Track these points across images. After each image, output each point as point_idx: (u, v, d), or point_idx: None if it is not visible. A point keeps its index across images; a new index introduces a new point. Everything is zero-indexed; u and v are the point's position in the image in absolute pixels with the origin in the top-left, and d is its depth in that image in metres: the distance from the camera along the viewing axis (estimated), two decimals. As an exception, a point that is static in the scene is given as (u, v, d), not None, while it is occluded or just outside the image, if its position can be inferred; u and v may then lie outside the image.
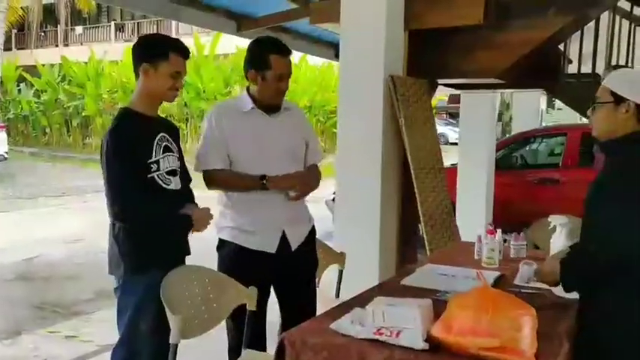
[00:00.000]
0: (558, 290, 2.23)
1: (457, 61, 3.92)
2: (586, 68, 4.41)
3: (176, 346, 2.04)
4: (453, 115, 24.92)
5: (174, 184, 2.23)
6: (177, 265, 2.24)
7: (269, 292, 2.52)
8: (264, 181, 2.34)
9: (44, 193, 11.20)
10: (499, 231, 2.78)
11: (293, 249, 2.48)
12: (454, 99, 23.32)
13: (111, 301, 4.71)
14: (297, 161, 2.50)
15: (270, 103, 2.42)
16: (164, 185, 2.17)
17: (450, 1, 3.70)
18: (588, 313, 1.83)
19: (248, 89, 2.46)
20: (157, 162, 2.16)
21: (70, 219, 8.62)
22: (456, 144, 15.12)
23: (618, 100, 1.80)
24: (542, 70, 4.33)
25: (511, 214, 5.71)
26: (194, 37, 16.30)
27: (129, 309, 2.17)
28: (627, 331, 1.72)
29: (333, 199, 6.04)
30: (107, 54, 19.86)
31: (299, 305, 2.53)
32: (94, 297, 4.88)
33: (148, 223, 2.14)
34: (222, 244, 2.52)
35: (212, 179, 2.41)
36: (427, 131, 3.87)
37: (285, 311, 2.58)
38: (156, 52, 2.14)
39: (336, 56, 7.34)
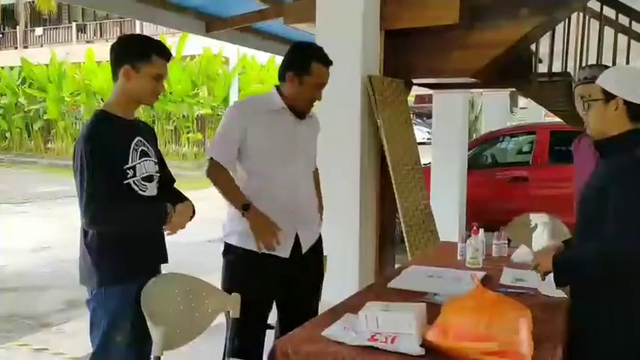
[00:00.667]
0: (545, 289, 2.25)
1: (432, 61, 3.93)
2: (557, 67, 4.47)
3: (159, 358, 1.97)
4: (420, 115, 25.20)
5: (150, 190, 2.13)
6: (153, 274, 2.15)
7: (273, 300, 2.43)
8: (245, 211, 2.27)
9: (6, 200, 10.80)
10: (482, 230, 2.78)
11: (303, 252, 2.40)
12: (421, 99, 23.62)
13: (82, 312, 4.56)
14: (310, 168, 2.51)
15: (299, 110, 2.37)
16: (140, 192, 2.08)
17: (425, 2, 3.70)
18: (582, 313, 1.83)
19: (278, 89, 2.38)
20: (134, 168, 2.06)
21: (36, 227, 8.34)
22: (423, 143, 15.28)
23: (608, 97, 1.81)
24: (514, 69, 4.37)
25: (483, 213, 5.77)
26: (160, 38, 16.01)
27: (103, 322, 2.06)
28: (621, 329, 1.73)
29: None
30: (69, 55, 19.34)
31: (301, 315, 2.29)
32: (65, 307, 4.71)
33: (123, 229, 2.04)
34: (228, 249, 2.41)
35: (216, 172, 2.34)
36: (405, 131, 3.86)
37: (285, 321, 2.45)
38: (138, 53, 2.04)
39: (307, 57, 7.36)
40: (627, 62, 4.25)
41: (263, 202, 2.29)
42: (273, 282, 2.37)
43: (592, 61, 4.27)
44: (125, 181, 2.03)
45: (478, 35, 3.80)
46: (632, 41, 4.29)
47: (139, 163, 2.09)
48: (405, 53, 3.99)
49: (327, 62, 2.35)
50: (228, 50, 15.56)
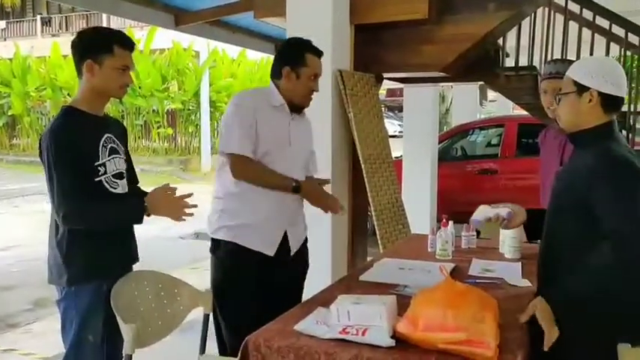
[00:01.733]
0: (512, 279, 2.30)
1: (402, 55, 3.96)
2: (523, 61, 4.56)
3: (130, 356, 1.95)
4: (392, 109, 25.36)
5: (121, 187, 2.11)
6: (124, 272, 2.14)
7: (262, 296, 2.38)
8: (296, 185, 2.31)
9: (-30, 198, 10.51)
10: (451, 223, 2.83)
11: (292, 253, 2.41)
12: (392, 92, 23.78)
13: (51, 311, 4.49)
14: (305, 167, 2.51)
15: (298, 103, 2.39)
16: (111, 189, 2.05)
17: (394, -3, 3.72)
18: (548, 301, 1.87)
19: (277, 85, 2.38)
20: (104, 165, 2.03)
21: (3, 225, 8.14)
22: (395, 136, 15.41)
23: (581, 89, 1.78)
24: (482, 63, 4.44)
25: (453, 205, 5.86)
26: (128, 31, 15.71)
27: (75, 322, 2.03)
28: (588, 318, 1.77)
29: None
30: (33, 49, 18.84)
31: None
32: (33, 307, 4.63)
33: (101, 225, 2.02)
34: (217, 245, 2.38)
35: (245, 166, 2.28)
36: (376, 125, 3.89)
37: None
38: (99, 46, 1.99)
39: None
40: (591, 54, 4.35)
41: (256, 196, 2.30)
42: (263, 279, 2.35)
43: (557, 54, 4.36)
44: (96, 179, 2.00)
45: (447, 30, 3.84)
46: (596, 35, 4.39)
47: (109, 160, 2.06)
48: (375, 48, 4.01)
49: (319, 53, 2.41)
50: (198, 44, 15.37)
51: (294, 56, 2.36)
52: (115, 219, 2.06)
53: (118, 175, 2.10)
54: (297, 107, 2.40)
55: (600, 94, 1.76)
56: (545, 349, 1.65)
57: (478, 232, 3.15)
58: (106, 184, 2.03)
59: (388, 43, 3.97)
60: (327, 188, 3.57)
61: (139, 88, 15.64)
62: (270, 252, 2.34)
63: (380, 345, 1.60)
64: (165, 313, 2.26)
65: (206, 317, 2.32)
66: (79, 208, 1.94)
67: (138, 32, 15.83)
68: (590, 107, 1.77)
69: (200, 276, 5.54)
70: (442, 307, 1.58)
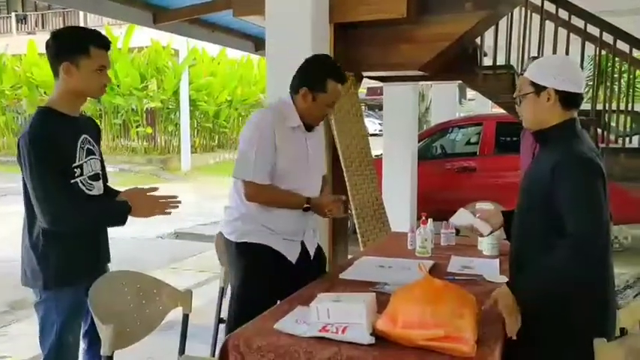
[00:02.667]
0: (490, 276, 2.33)
1: (381, 54, 3.97)
2: (501, 60, 4.61)
3: (109, 358, 1.93)
4: (372, 107, 25.48)
5: (97, 189, 2.10)
6: (99, 273, 2.11)
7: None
8: (307, 206, 2.35)
9: (-58, 199, 10.26)
10: (430, 220, 2.85)
11: (311, 256, 2.47)
12: (373, 91, 23.87)
13: (27, 313, 4.41)
14: (321, 174, 2.56)
15: (308, 123, 2.39)
16: (87, 191, 2.04)
17: (373, -4, 3.74)
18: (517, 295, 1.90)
19: (293, 100, 2.37)
20: (81, 166, 2.01)
21: (-25, 226, 7.97)
22: (375, 135, 15.45)
23: (538, 89, 1.83)
24: (460, 62, 4.48)
25: (433, 203, 5.90)
26: (105, 29, 15.51)
27: (56, 324, 2.01)
28: (561, 314, 1.81)
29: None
30: (9, 47, 18.48)
31: None
32: (9, 309, 4.54)
33: (85, 226, 2.03)
34: (246, 248, 2.36)
35: (258, 193, 2.31)
36: (356, 124, 3.90)
37: None
38: (75, 47, 1.97)
39: (256, 49, 7.30)
40: (566, 53, 4.42)
41: (276, 210, 2.34)
42: (284, 280, 2.36)
43: (534, 53, 4.42)
44: (72, 180, 1.98)
45: (425, 29, 3.87)
46: (572, 34, 4.46)
47: (86, 161, 2.05)
48: (354, 46, 4.02)
49: (343, 80, 2.36)
50: (177, 42, 15.23)
51: (314, 79, 2.32)
52: (100, 220, 2.06)
53: (94, 177, 2.08)
54: (308, 126, 2.40)
55: (557, 92, 1.80)
56: (510, 335, 1.71)
57: (457, 230, 3.18)
58: (81, 186, 2.01)
59: (367, 42, 3.98)
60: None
61: (118, 86, 15.44)
62: (292, 258, 2.39)
63: (360, 342, 1.61)
64: (144, 314, 2.24)
65: (185, 317, 2.30)
66: (66, 209, 1.93)
67: (116, 30, 15.62)
68: (549, 106, 1.82)
69: (180, 276, 5.51)
70: (421, 304, 1.59)
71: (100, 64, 1.99)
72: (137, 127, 16.30)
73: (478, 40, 4.59)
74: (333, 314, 1.67)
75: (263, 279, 2.32)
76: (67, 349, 2.03)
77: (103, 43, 2.02)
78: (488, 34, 4.70)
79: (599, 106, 4.67)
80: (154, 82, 15.96)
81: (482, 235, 2.32)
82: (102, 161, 2.20)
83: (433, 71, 4.24)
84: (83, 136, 2.05)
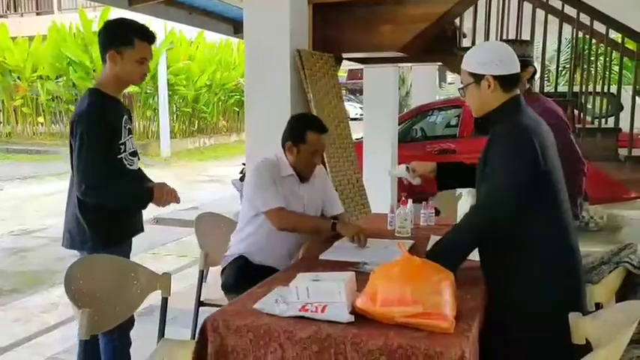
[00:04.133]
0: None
1: (361, 35, 3.95)
2: (480, 42, 4.61)
3: (85, 342, 1.90)
4: (353, 91, 25.40)
5: (135, 164, 2.34)
6: (131, 240, 2.43)
7: None
8: (334, 222, 2.55)
9: None
10: (410, 201, 2.86)
11: None
12: (353, 75, 23.79)
13: (3, 301, 4.35)
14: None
15: (301, 174, 2.61)
16: (128, 166, 2.28)
17: (352, -25, 3.70)
18: (491, 277, 1.95)
19: (285, 155, 2.61)
20: (125, 143, 2.24)
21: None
22: (356, 119, 15.43)
23: (477, 78, 1.90)
24: (440, 44, 4.47)
25: (414, 185, 5.92)
26: (79, 12, 15.17)
27: None
28: (527, 292, 1.85)
29: (240, 179, 5.95)
30: (-21, 31, 17.96)
31: None
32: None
33: (110, 204, 2.22)
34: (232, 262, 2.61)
35: (283, 217, 2.49)
36: (336, 105, 3.88)
37: None
38: (121, 39, 2.20)
39: (235, 32, 7.20)
40: (544, 35, 4.44)
41: (270, 242, 2.55)
42: None
43: (512, 35, 4.43)
44: (119, 156, 2.22)
45: (405, 9, 3.86)
46: (550, 15, 4.47)
47: (128, 139, 2.29)
48: (333, 27, 3.99)
49: (322, 130, 2.59)
50: (154, 25, 14.93)
51: (294, 132, 2.58)
52: (126, 200, 2.29)
53: (133, 154, 2.32)
54: (302, 177, 2.62)
55: (495, 77, 1.87)
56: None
57: (437, 211, 3.20)
58: (125, 162, 2.25)
59: (346, 23, 3.96)
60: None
61: (93, 71, 15.15)
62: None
63: (339, 321, 1.61)
64: (122, 298, 2.21)
65: (164, 301, 2.28)
66: (101, 184, 2.14)
67: (90, 13, 15.32)
68: (490, 92, 1.89)
69: (161, 261, 5.47)
70: (400, 281, 1.60)
71: (142, 55, 2.23)
72: (115, 112, 16.02)
73: (457, 22, 4.58)
74: (313, 293, 1.67)
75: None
76: None
77: (148, 37, 2.25)
78: (468, 16, 4.70)
79: (576, 88, 4.71)
80: (131, 66, 15.65)
81: (411, 184, 2.54)
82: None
83: (413, 52, 4.22)
84: (125, 116, 2.28)
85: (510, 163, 1.80)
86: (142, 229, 2.47)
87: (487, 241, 1.90)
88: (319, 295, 1.66)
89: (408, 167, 2.47)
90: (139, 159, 2.42)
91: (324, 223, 2.58)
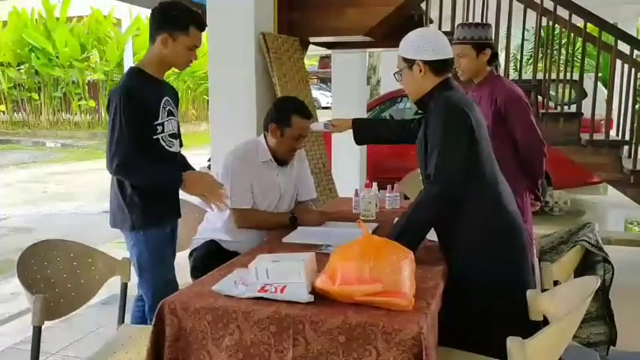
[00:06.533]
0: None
1: (327, 18, 3.92)
2: (446, 28, 4.62)
3: (39, 328, 1.84)
4: (324, 80, 25.32)
5: (175, 146, 2.31)
6: (177, 217, 2.42)
7: None
8: (293, 216, 2.59)
9: None
10: (375, 184, 2.86)
11: None
12: (325, 64, 23.70)
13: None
14: (294, 203, 2.75)
15: (280, 158, 2.60)
16: (167, 147, 2.24)
17: (317, -43, 3.66)
18: (451, 257, 1.98)
19: (265, 138, 2.60)
20: (163, 124, 2.21)
21: None
22: (328, 108, 15.38)
23: (409, 63, 1.97)
24: (407, 29, 4.42)
25: (382, 170, 5.96)
26: (41, -4, 14.75)
27: (149, 263, 2.24)
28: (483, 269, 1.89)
29: (209, 167, 5.88)
30: None
31: None
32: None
33: (139, 183, 2.18)
34: (203, 245, 2.60)
35: (245, 217, 2.53)
36: (302, 90, 3.84)
37: None
38: (177, 24, 2.16)
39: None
40: (509, 21, 4.48)
41: (242, 230, 2.54)
42: None
43: (478, 20, 4.45)
44: (155, 136, 2.18)
45: (370, -7, 3.84)
46: (516, 2, 4.50)
47: (167, 120, 2.24)
48: (299, 10, 3.94)
49: (307, 115, 2.59)
50: (119, 11, 14.61)
51: (280, 116, 2.55)
52: (153, 183, 2.21)
53: (173, 135, 2.28)
54: (280, 161, 2.60)
55: (426, 62, 1.94)
56: None
57: (405, 196, 3.22)
58: (162, 142, 2.21)
59: (312, 6, 3.92)
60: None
61: (57, 57, 14.75)
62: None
63: (299, 301, 1.59)
64: (79, 284, 2.15)
65: (124, 286, 2.24)
66: (132, 161, 2.10)
67: (53, -3, 14.86)
68: (422, 76, 1.96)
69: (125, 250, 5.37)
70: (359, 260, 1.59)
71: (193, 43, 2.20)
72: (79, 100, 15.64)
73: (424, 8, 4.58)
74: (272, 274, 1.65)
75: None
76: (167, 285, 2.21)
77: (202, 25, 2.23)
78: (435, 3, 4.70)
79: (539, 76, 4.77)
80: (96, 52, 15.30)
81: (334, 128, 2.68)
82: (178, 124, 2.39)
83: (379, 37, 4.21)
84: (165, 97, 2.25)
85: (450, 134, 1.86)
86: (179, 215, 2.41)
87: (439, 216, 1.94)
88: (279, 275, 1.64)
89: (326, 124, 2.71)
90: (181, 142, 2.37)
91: (284, 218, 2.59)
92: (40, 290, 1.93)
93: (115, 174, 2.16)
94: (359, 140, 2.63)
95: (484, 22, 4.46)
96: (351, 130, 2.63)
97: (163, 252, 2.30)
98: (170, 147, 2.26)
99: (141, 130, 2.13)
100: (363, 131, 2.60)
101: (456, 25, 3.86)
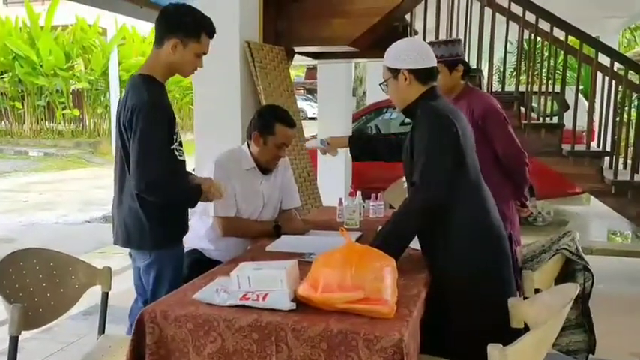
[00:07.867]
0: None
1: (312, 28, 3.94)
2: (430, 39, 4.67)
3: (16, 338, 1.81)
4: (311, 91, 25.41)
5: (183, 155, 2.21)
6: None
7: None
8: (276, 224, 2.59)
9: None
10: (359, 193, 2.87)
11: None
12: (311, 75, 23.80)
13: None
14: (277, 211, 2.74)
15: (264, 166, 2.60)
16: (179, 157, 2.14)
17: (302, -32, 3.68)
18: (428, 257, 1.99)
19: (249, 146, 2.59)
20: (176, 133, 2.13)
21: None
22: (314, 119, 15.41)
23: (395, 73, 1.99)
24: (391, 40, 4.46)
25: (368, 181, 5.97)
26: (26, 6, 14.59)
27: (169, 280, 2.12)
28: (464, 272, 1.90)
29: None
30: None
31: None
32: None
33: (165, 201, 2.07)
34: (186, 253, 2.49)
35: (229, 226, 2.51)
36: (286, 99, 3.85)
37: None
38: (189, 30, 2.07)
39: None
40: (492, 33, 4.54)
41: (226, 239, 2.52)
42: None
43: (461, 34, 4.51)
44: (172, 147, 2.08)
45: (356, 3, 3.87)
46: (498, 15, 4.57)
47: (177, 130, 2.16)
48: (284, 20, 3.96)
49: (291, 124, 2.58)
50: (105, 20, 14.54)
51: (263, 124, 2.54)
52: (180, 197, 2.13)
53: (180, 144, 2.19)
54: (264, 169, 2.60)
55: (411, 71, 1.96)
56: None
57: (391, 206, 3.23)
58: (176, 153, 2.12)
59: (298, 16, 3.94)
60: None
61: (41, 66, 14.62)
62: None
63: (281, 309, 1.58)
64: (59, 293, 2.13)
65: (105, 295, 2.21)
66: (161, 179, 1.97)
67: (38, 7, 14.76)
68: (407, 85, 1.98)
69: (109, 260, 5.29)
70: (341, 268, 1.59)
71: (203, 50, 2.12)
72: (63, 109, 15.49)
73: (409, 19, 4.62)
74: (254, 282, 1.64)
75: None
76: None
77: (212, 32, 2.14)
78: (419, 15, 4.75)
79: (522, 88, 4.83)
80: (81, 61, 15.19)
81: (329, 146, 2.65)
82: None
83: (364, 47, 4.24)
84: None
85: (436, 143, 1.88)
86: (187, 229, 2.31)
87: (423, 223, 1.95)
88: (260, 283, 1.63)
89: (322, 141, 2.67)
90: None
91: (268, 227, 2.58)
92: (18, 299, 1.90)
93: (148, 194, 2.00)
94: (355, 159, 2.68)
95: (469, 35, 4.53)
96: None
97: (182, 267, 2.26)
98: (180, 156, 2.16)
99: (168, 144, 2.04)
100: (359, 150, 2.60)
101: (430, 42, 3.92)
